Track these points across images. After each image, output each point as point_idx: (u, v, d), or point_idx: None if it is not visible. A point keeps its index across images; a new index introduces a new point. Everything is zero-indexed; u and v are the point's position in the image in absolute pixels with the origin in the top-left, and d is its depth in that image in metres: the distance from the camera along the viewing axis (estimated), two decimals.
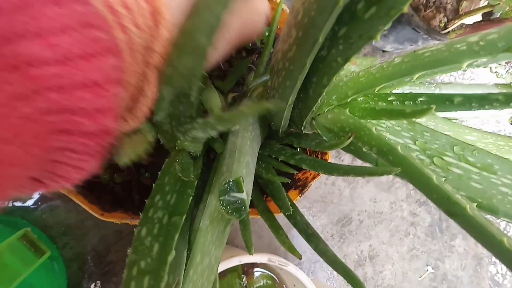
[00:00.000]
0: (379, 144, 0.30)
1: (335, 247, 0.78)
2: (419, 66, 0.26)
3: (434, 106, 0.25)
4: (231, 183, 0.26)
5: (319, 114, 0.35)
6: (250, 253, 0.35)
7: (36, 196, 0.63)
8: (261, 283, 0.60)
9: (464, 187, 0.31)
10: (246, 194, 0.26)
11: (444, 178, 0.32)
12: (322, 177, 0.78)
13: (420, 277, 0.82)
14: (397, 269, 0.82)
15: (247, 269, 0.61)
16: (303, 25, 0.23)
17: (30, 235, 0.48)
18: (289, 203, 0.39)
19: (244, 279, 0.60)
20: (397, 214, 0.82)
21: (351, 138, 0.29)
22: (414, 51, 0.28)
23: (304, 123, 0.35)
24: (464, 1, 0.64)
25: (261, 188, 0.45)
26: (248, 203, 0.27)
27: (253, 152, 0.33)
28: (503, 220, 0.30)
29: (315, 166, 0.34)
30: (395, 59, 0.29)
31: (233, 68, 0.44)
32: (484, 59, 0.24)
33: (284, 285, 0.61)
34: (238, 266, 0.59)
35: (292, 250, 0.37)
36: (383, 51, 0.80)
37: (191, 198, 0.34)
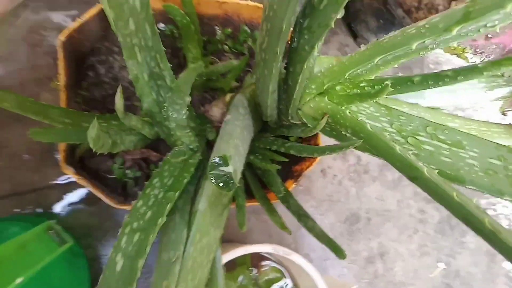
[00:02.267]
0: (352, 124, 0.34)
1: (344, 244, 0.80)
2: (378, 51, 0.30)
3: (389, 84, 0.28)
4: (219, 159, 0.30)
5: (303, 104, 0.39)
6: (241, 229, 0.39)
7: (61, 201, 0.69)
8: (271, 276, 0.64)
9: (435, 162, 0.34)
10: (233, 169, 0.30)
11: (417, 155, 0.35)
12: (329, 177, 0.81)
13: (431, 274, 0.83)
14: (408, 266, 0.83)
15: (256, 262, 0.64)
16: (269, 18, 0.27)
17: (55, 227, 0.53)
18: (282, 187, 0.42)
19: (253, 272, 0.63)
20: (405, 212, 0.84)
21: (325, 119, 0.33)
22: (376, 40, 0.32)
23: (290, 113, 0.39)
24: (454, 2, 0.67)
25: (259, 178, 0.49)
26: (236, 178, 0.31)
27: (243, 138, 0.37)
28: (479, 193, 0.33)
29: (300, 150, 0.38)
30: (362, 48, 0.33)
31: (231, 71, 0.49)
32: (430, 40, 0.28)
33: (292, 278, 0.64)
34: (247, 260, 0.63)
35: (283, 227, 0.40)
36: None
37: (187, 180, 0.39)
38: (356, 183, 0.82)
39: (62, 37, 0.43)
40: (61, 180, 0.70)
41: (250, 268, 0.63)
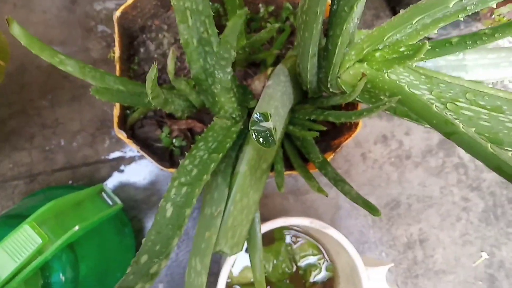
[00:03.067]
0: (390, 87, 0.35)
1: (383, 229, 0.80)
2: (416, 12, 0.31)
3: (427, 42, 0.29)
4: (259, 115, 0.32)
5: (343, 72, 0.40)
6: (279, 190, 0.41)
7: (111, 175, 0.74)
8: (307, 252, 0.65)
9: (473, 125, 0.35)
10: (273, 126, 0.32)
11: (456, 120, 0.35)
12: (369, 161, 0.81)
13: (474, 263, 0.82)
14: (449, 254, 0.81)
15: (293, 238, 0.65)
16: None
17: (107, 190, 0.58)
18: (320, 154, 0.44)
19: (291, 247, 0.64)
20: (447, 199, 0.82)
21: (363, 80, 0.34)
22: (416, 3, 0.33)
23: (330, 81, 0.41)
24: None
25: (299, 150, 0.50)
26: (275, 135, 0.32)
27: (283, 102, 0.39)
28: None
29: (338, 116, 0.39)
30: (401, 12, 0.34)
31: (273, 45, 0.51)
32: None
33: (328, 255, 0.65)
34: (285, 235, 0.64)
35: (320, 190, 0.41)
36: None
37: (229, 145, 0.41)
38: (397, 168, 0.82)
39: (118, 12, 0.47)
40: (112, 156, 0.75)
41: (288, 243, 0.64)
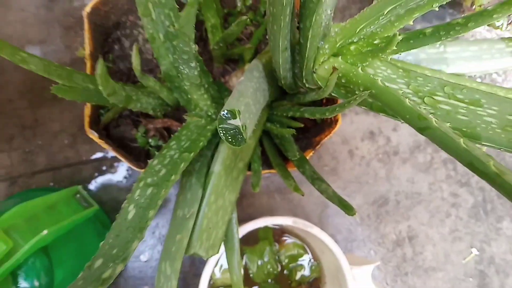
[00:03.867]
0: (364, 81, 0.33)
1: (372, 227, 0.79)
2: (387, 1, 0.30)
3: (398, 34, 0.28)
4: (227, 112, 0.31)
5: (318, 67, 0.39)
6: (254, 190, 0.39)
7: (93, 176, 0.72)
8: (293, 252, 0.64)
9: (451, 120, 0.33)
10: (242, 124, 0.30)
11: (433, 114, 0.34)
12: (357, 158, 0.80)
13: (464, 260, 0.81)
14: (438, 251, 0.80)
15: (278, 237, 0.64)
16: None
17: (82, 192, 0.56)
18: (297, 152, 0.42)
19: (276, 247, 0.63)
20: (436, 195, 0.81)
21: (335, 74, 0.32)
22: None
23: (305, 76, 0.39)
24: None
25: (277, 148, 0.49)
26: (246, 133, 0.31)
27: (256, 98, 0.37)
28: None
29: (313, 112, 0.38)
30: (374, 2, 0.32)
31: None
32: None
33: (314, 254, 0.64)
34: (269, 235, 0.63)
35: (296, 189, 0.40)
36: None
37: (202, 143, 0.39)
38: (385, 165, 0.80)
39: (88, 8, 0.45)
40: (93, 157, 0.73)
41: (274, 243, 0.63)
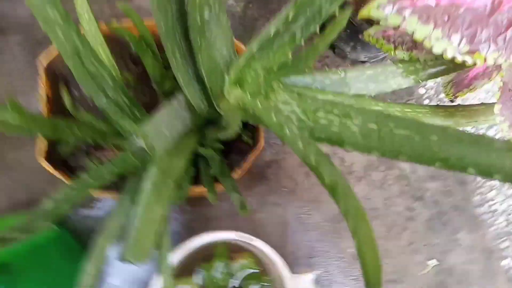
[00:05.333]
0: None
1: (331, 242, 0.83)
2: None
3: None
4: (136, 136, 0.37)
5: (222, 98, 0.46)
6: (179, 203, 0.46)
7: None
8: (247, 267, 0.68)
9: (326, 131, 0.40)
10: (148, 146, 0.37)
11: (313, 128, 0.41)
12: (313, 179, 0.86)
13: (423, 271, 0.84)
14: (397, 263, 0.84)
15: (233, 254, 0.69)
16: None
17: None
18: (222, 171, 0.49)
19: (230, 263, 0.68)
20: (392, 210, 0.86)
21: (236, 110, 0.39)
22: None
23: (215, 106, 0.46)
24: None
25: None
26: (155, 152, 0.37)
27: (171, 125, 0.44)
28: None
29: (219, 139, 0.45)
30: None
31: None
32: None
33: (266, 267, 0.69)
34: (224, 251, 0.68)
35: (213, 199, 0.46)
36: (360, 61, 0.89)
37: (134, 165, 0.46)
38: None
39: (44, 61, 0.53)
40: None
41: (229, 259, 0.68)
